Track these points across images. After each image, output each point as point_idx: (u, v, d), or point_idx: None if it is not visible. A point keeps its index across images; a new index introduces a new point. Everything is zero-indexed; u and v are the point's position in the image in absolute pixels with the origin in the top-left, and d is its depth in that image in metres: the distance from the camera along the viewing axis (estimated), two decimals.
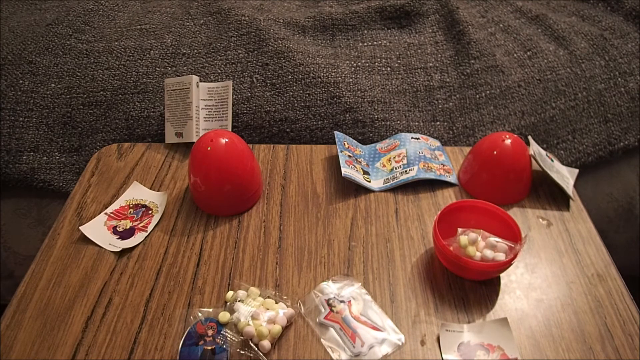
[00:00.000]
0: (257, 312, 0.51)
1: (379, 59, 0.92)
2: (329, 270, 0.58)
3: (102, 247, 0.61)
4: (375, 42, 0.96)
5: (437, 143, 0.78)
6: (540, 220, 0.65)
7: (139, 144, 0.78)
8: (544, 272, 0.58)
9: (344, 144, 0.74)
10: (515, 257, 0.53)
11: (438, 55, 0.93)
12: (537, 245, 0.62)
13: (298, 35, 0.97)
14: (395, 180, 0.69)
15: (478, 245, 0.56)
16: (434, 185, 0.70)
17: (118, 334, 0.51)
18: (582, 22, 1.00)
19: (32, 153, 0.81)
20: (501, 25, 0.99)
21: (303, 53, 0.90)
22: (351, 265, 0.59)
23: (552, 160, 0.71)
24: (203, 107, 0.77)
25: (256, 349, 0.49)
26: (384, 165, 0.73)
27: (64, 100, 0.84)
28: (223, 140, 0.62)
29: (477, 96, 0.86)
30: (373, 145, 0.78)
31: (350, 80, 0.86)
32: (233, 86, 0.85)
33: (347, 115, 0.82)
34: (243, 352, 0.49)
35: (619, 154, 0.85)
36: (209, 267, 0.58)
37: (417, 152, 0.73)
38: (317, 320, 0.52)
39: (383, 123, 0.82)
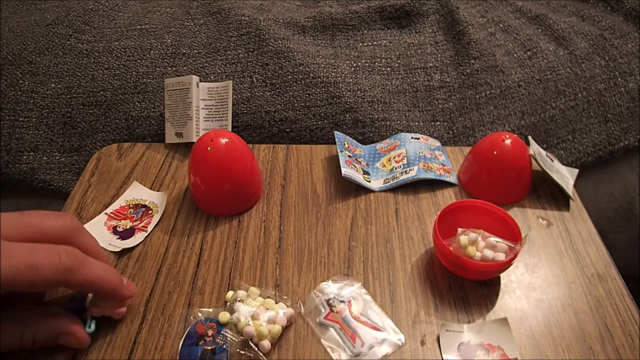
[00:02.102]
0: (257, 312, 0.51)
1: (379, 59, 0.92)
2: (329, 270, 0.58)
3: (102, 247, 0.60)
4: (375, 42, 0.96)
5: (437, 143, 0.78)
6: (540, 220, 0.65)
7: (139, 144, 0.78)
8: (544, 272, 0.58)
9: (344, 144, 0.74)
10: (515, 257, 0.53)
11: (438, 55, 0.93)
12: (537, 245, 0.62)
13: (298, 35, 0.97)
14: (395, 180, 0.69)
15: (478, 245, 0.56)
16: (434, 185, 0.70)
17: (118, 334, 0.51)
18: (582, 22, 1.00)
19: (32, 153, 0.81)
20: (501, 25, 0.99)
21: (303, 53, 0.90)
22: (351, 265, 0.59)
23: (552, 160, 0.71)
24: (203, 107, 0.77)
25: (256, 349, 0.49)
26: (384, 165, 0.73)
27: (64, 100, 0.84)
28: (223, 140, 0.62)
29: (477, 96, 0.86)
30: (373, 145, 0.78)
31: (350, 80, 0.86)
32: (233, 86, 0.84)
33: (347, 115, 0.82)
34: (243, 352, 0.49)
35: (619, 154, 0.85)
36: (209, 267, 0.58)
37: (417, 152, 0.73)
38: (317, 320, 0.52)
39: (383, 123, 0.82)
